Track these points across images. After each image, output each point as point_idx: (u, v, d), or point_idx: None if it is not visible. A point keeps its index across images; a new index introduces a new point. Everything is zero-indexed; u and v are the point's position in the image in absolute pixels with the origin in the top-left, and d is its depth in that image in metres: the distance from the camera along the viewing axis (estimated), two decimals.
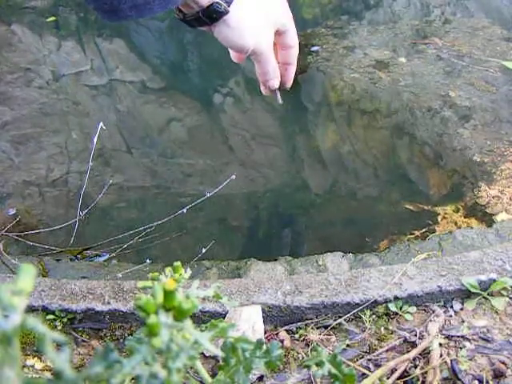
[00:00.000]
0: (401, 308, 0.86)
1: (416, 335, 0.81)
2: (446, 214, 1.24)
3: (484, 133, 1.42)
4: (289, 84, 0.75)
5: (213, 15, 0.61)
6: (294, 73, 0.73)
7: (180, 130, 1.57)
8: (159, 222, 1.18)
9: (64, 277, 1.03)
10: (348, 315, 0.85)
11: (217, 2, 0.60)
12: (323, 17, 2.11)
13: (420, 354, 0.78)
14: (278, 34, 0.68)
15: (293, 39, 0.69)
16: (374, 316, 0.85)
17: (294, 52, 0.71)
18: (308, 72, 1.75)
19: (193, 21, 0.62)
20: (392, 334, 0.83)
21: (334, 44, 1.87)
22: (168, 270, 0.47)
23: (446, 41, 1.82)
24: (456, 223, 1.20)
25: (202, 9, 0.61)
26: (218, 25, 0.63)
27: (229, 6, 0.61)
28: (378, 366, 0.77)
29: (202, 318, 0.85)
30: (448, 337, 0.81)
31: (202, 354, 0.80)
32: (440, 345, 0.79)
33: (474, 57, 1.73)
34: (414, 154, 1.44)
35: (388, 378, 0.74)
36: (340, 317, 0.86)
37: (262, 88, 0.72)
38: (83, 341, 0.87)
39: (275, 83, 0.71)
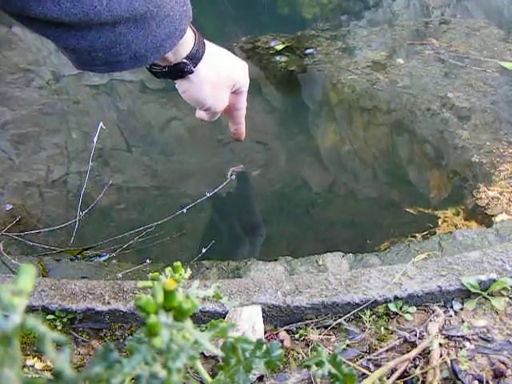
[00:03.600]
0: (401, 308, 0.86)
1: (416, 335, 0.81)
2: (446, 217, 1.24)
3: (483, 133, 1.42)
4: (242, 138, 0.83)
5: (178, 73, 0.64)
6: (244, 129, 0.81)
7: (180, 130, 1.57)
8: (159, 222, 1.18)
9: (64, 277, 1.03)
10: (348, 315, 0.85)
11: (184, 62, 0.61)
12: (323, 16, 2.11)
13: (420, 354, 0.78)
14: (234, 93, 0.72)
15: (243, 102, 0.75)
16: (374, 316, 0.85)
17: (242, 113, 0.77)
18: (305, 73, 1.75)
19: (157, 73, 0.65)
20: (392, 333, 0.83)
21: (328, 45, 1.87)
22: (168, 270, 0.47)
23: (443, 41, 1.82)
24: (456, 226, 1.20)
25: (168, 65, 0.62)
26: (181, 80, 0.65)
27: (195, 67, 0.62)
28: (378, 366, 0.77)
29: (202, 318, 0.85)
30: (448, 337, 0.81)
31: (202, 354, 0.80)
32: (440, 345, 0.79)
33: (472, 57, 1.73)
34: (414, 154, 1.44)
35: (388, 378, 0.74)
36: (340, 317, 0.86)
37: (197, 114, 0.78)
38: (83, 341, 0.87)
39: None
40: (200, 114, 0.75)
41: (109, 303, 0.87)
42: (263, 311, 0.84)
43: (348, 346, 0.82)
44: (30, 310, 0.87)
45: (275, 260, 1.09)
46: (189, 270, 0.48)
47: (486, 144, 1.38)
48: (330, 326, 0.85)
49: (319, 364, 0.47)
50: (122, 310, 0.86)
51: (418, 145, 1.45)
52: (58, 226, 1.23)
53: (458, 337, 0.80)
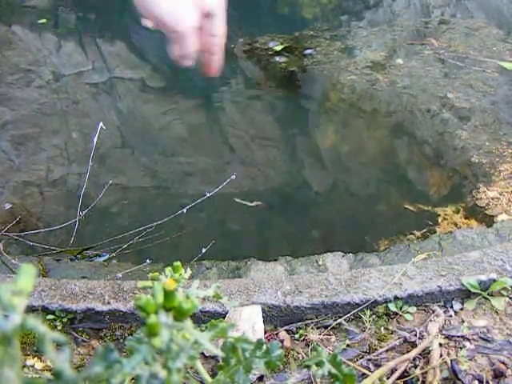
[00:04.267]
0: (401, 308, 0.86)
1: (416, 335, 0.81)
2: (446, 215, 1.24)
3: (483, 134, 1.42)
4: (213, 73, 0.69)
5: None
6: (218, 62, 0.67)
7: (180, 129, 1.57)
8: (159, 222, 1.18)
9: (64, 277, 1.03)
10: (348, 315, 0.85)
11: None
12: (323, 17, 2.11)
13: (420, 354, 0.78)
14: (205, 17, 0.62)
15: (218, 28, 0.64)
16: (374, 316, 0.85)
17: (218, 41, 0.65)
18: (305, 74, 1.75)
19: None
20: (392, 333, 0.83)
21: (327, 46, 1.87)
22: (168, 270, 0.47)
23: (443, 41, 1.82)
24: (456, 224, 1.20)
25: None
26: None
27: None
28: (377, 366, 0.77)
29: (202, 318, 0.85)
30: (448, 337, 0.81)
31: (202, 354, 0.80)
32: (440, 345, 0.79)
33: (471, 58, 1.73)
34: (414, 154, 1.44)
35: (388, 378, 0.74)
36: (340, 317, 0.86)
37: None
38: (83, 341, 0.87)
39: (187, 63, 0.64)
40: (173, 50, 0.64)
41: (109, 303, 0.87)
42: (263, 311, 0.84)
43: (348, 345, 0.82)
44: (30, 310, 0.87)
45: (275, 260, 1.09)
46: (189, 270, 0.48)
47: (486, 144, 1.38)
48: (329, 325, 0.85)
49: (319, 364, 0.47)
50: (122, 310, 0.86)
51: (418, 145, 1.45)
52: (58, 225, 1.23)
53: (458, 337, 0.80)
